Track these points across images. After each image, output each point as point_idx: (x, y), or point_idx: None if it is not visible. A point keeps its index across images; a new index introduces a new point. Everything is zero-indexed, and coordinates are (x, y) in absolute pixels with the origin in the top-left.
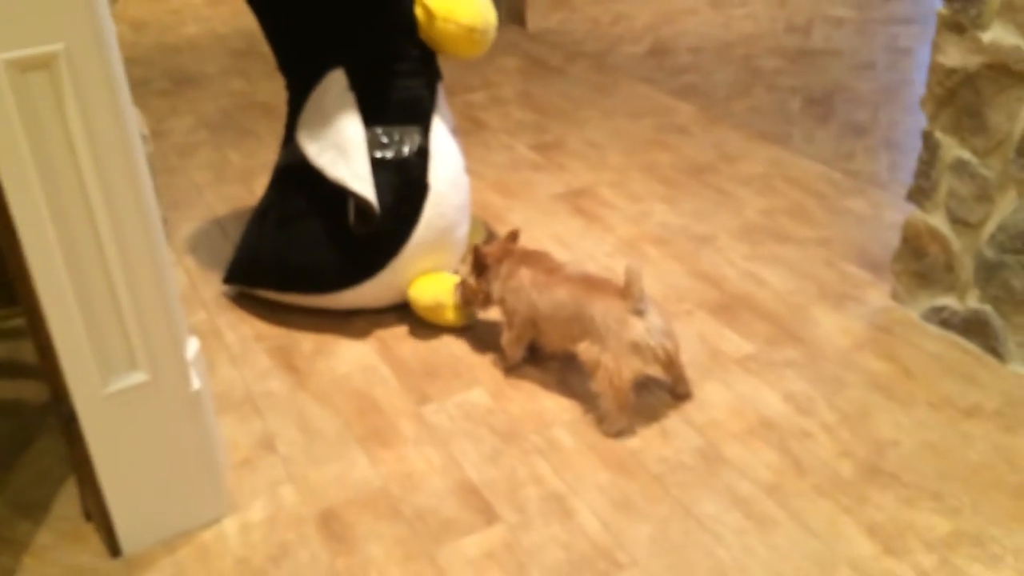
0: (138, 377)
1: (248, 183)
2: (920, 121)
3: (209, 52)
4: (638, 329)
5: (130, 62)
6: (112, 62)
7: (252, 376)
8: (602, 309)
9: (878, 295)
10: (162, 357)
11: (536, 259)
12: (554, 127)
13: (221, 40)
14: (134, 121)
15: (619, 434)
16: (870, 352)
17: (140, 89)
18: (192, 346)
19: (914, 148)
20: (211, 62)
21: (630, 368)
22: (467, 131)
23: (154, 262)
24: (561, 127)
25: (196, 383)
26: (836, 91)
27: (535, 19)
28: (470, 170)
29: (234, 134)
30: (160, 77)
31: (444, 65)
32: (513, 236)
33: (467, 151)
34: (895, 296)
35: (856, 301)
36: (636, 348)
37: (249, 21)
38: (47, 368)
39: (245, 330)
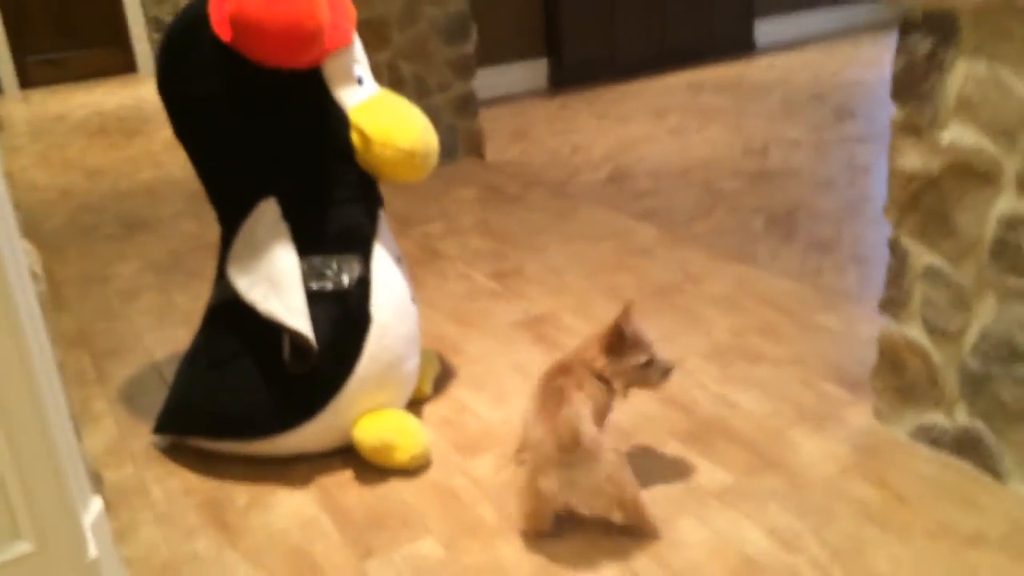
0: (22, 547)
1: (192, 325)
2: (886, 233)
3: (163, 196)
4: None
5: (81, 209)
6: None
7: (177, 536)
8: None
9: (860, 414)
10: (53, 523)
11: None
12: (513, 254)
13: (176, 184)
14: (22, 259)
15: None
16: (858, 478)
17: (88, 235)
18: (94, 508)
19: (882, 261)
20: (164, 206)
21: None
22: (423, 261)
23: (41, 417)
24: (520, 254)
25: (94, 551)
26: (798, 209)
27: (493, 151)
28: (425, 301)
29: (182, 276)
30: (110, 222)
31: (399, 196)
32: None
33: (422, 281)
34: (878, 415)
35: (837, 422)
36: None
37: None
38: None
39: (174, 484)
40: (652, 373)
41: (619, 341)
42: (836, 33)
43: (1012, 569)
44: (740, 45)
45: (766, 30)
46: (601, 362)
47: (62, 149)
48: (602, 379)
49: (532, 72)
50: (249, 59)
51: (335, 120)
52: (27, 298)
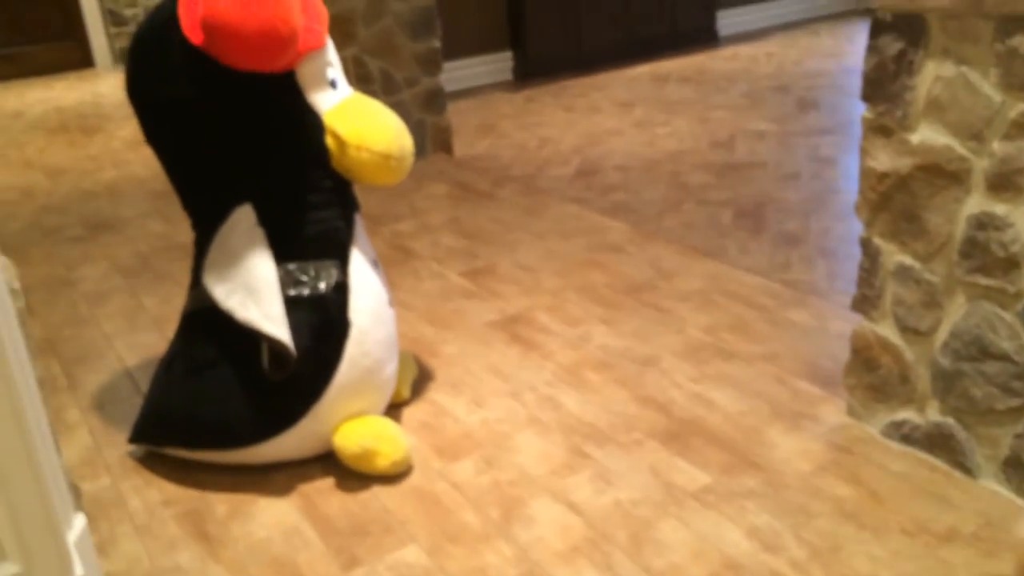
0: (9, 569)
1: (163, 330)
2: (852, 227)
3: (128, 196)
4: None
5: (43, 210)
6: None
7: (158, 548)
8: None
9: (833, 411)
10: (38, 543)
11: None
12: (485, 252)
13: (141, 183)
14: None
15: None
16: (833, 476)
17: (52, 237)
18: (77, 526)
19: (849, 255)
20: (129, 206)
21: None
22: (396, 261)
23: (24, 436)
24: (492, 252)
25: (79, 569)
26: (765, 203)
27: (462, 146)
28: (399, 302)
29: (150, 279)
30: (74, 224)
31: (370, 194)
32: None
33: (396, 281)
34: (851, 412)
35: (812, 420)
36: None
37: None
38: None
39: (152, 495)
40: None
41: None
42: (796, 24)
43: (985, 565)
44: (703, 36)
45: (728, 21)
46: None
47: (21, 148)
48: None
49: (497, 65)
50: (221, 63)
51: (309, 124)
52: (6, 315)
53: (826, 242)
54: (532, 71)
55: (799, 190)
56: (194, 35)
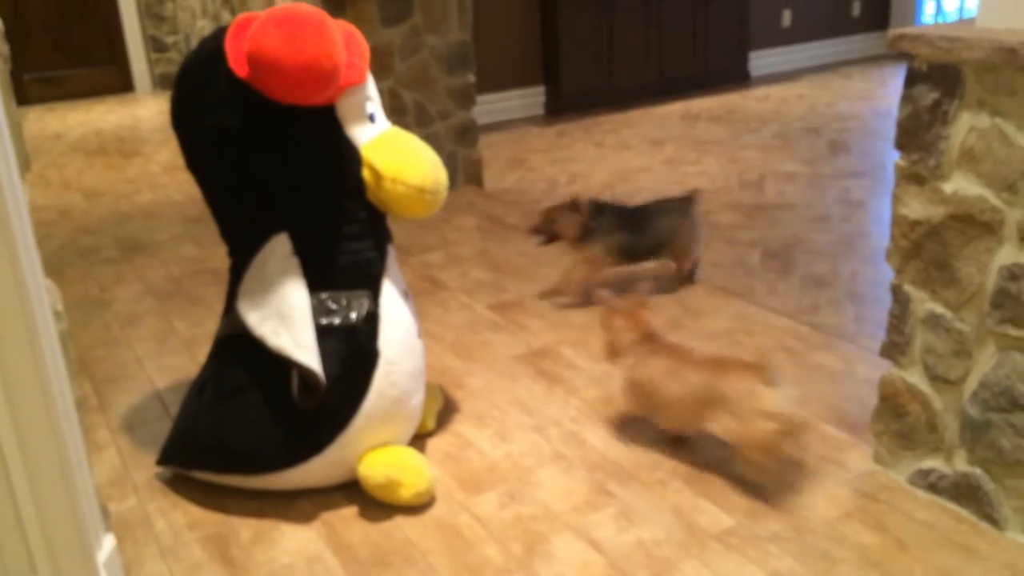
0: None
1: (193, 353)
2: (881, 272)
3: (162, 219)
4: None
5: (80, 231)
6: (16, 235)
7: (182, 571)
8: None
9: (860, 457)
10: (68, 562)
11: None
12: (513, 286)
13: (175, 207)
14: (44, 298)
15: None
16: (858, 522)
17: (87, 258)
18: (107, 546)
19: (877, 299)
20: (163, 229)
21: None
22: (424, 291)
23: (61, 457)
24: (520, 285)
25: None
26: (794, 244)
27: (492, 179)
28: (427, 332)
29: (182, 302)
30: (109, 245)
31: (400, 225)
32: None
33: (424, 312)
34: (878, 458)
35: (838, 465)
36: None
37: None
38: None
39: (178, 517)
40: None
41: None
42: (828, 66)
43: None
44: (735, 76)
45: (760, 62)
46: None
47: (60, 169)
48: None
49: (528, 99)
50: (265, 95)
51: (347, 157)
52: (50, 337)
53: (855, 286)
54: (564, 106)
55: (829, 232)
56: (239, 68)
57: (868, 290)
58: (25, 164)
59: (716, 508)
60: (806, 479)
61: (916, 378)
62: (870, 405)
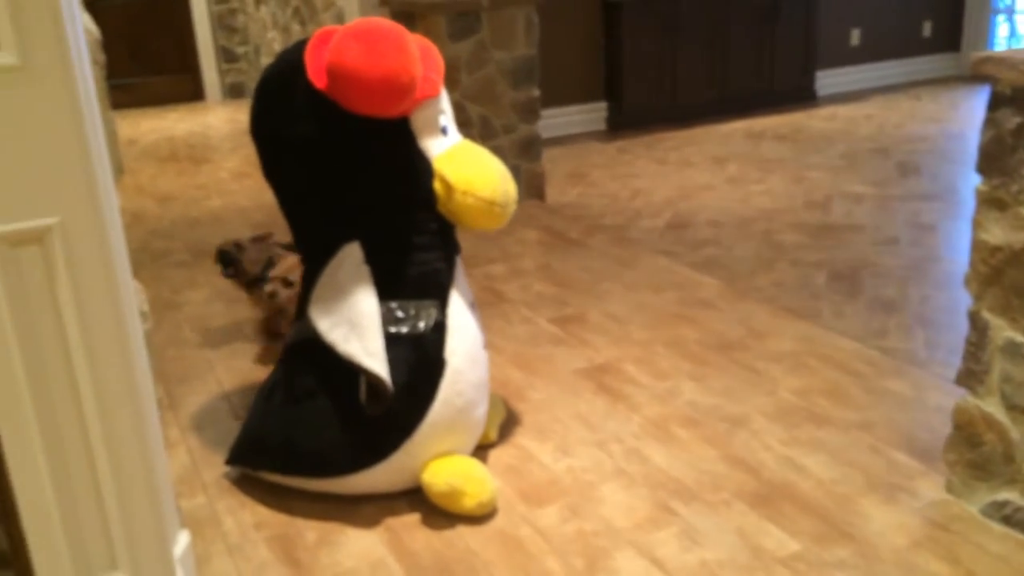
0: None
1: (260, 357)
2: (953, 297)
3: (231, 224)
4: None
5: (152, 235)
6: (110, 237)
7: (249, 570)
8: None
9: (931, 486)
10: (146, 556)
11: None
12: (575, 300)
13: (243, 213)
14: (133, 299)
15: None
16: (929, 552)
17: (160, 261)
18: (181, 542)
19: (949, 325)
20: (232, 234)
21: None
22: (487, 303)
23: (144, 453)
24: (582, 300)
25: None
26: (862, 267)
27: (553, 192)
28: (489, 344)
29: (249, 306)
30: (180, 249)
31: (463, 235)
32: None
33: (486, 324)
34: (950, 488)
35: (908, 493)
36: None
37: (272, 195)
38: (17, 565)
39: (245, 516)
40: None
41: None
42: (897, 87)
43: None
44: (801, 94)
45: (827, 81)
46: None
47: (134, 174)
48: None
49: (591, 115)
50: (342, 107)
51: (420, 168)
52: (137, 338)
53: (925, 311)
54: (626, 122)
55: (898, 256)
56: (318, 80)
57: (939, 316)
58: (119, 169)
59: (781, 532)
60: (875, 506)
61: (993, 407)
62: (942, 433)
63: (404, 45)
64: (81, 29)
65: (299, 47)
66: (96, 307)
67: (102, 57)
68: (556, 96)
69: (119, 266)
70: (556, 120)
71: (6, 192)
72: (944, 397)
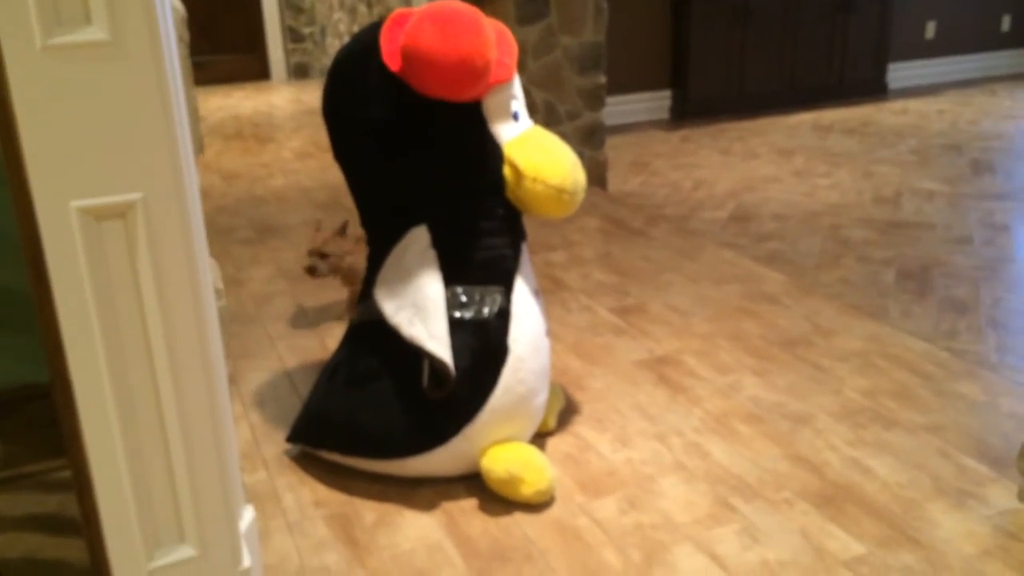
0: (186, 552)
1: (321, 336)
2: None
3: (294, 204)
4: None
5: (218, 211)
6: (191, 214)
7: (308, 547)
8: None
9: (1003, 494)
10: (213, 530)
11: None
12: (635, 290)
13: (306, 193)
14: (208, 275)
15: None
16: (1000, 562)
17: (225, 237)
18: (247, 517)
19: (1022, 329)
20: (295, 214)
21: None
22: (546, 290)
23: (215, 428)
24: (643, 290)
25: (247, 560)
26: (932, 265)
27: (615, 182)
28: (549, 332)
29: (312, 285)
30: (245, 226)
31: (524, 223)
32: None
33: (546, 311)
34: (1022, 497)
35: (978, 500)
36: None
37: (335, 175)
38: (89, 536)
39: (305, 494)
40: None
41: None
42: (972, 82)
43: None
44: (872, 87)
45: (899, 74)
46: None
47: (200, 151)
48: None
49: (655, 103)
50: (415, 90)
51: (491, 154)
52: (212, 314)
53: (997, 313)
54: (690, 111)
55: (970, 255)
56: (393, 62)
57: (1012, 318)
58: (199, 147)
59: (845, 534)
60: (943, 512)
61: None
62: (1015, 440)
63: (480, 29)
64: (169, 6)
65: (374, 28)
66: (174, 283)
67: (187, 35)
68: (621, 83)
69: (198, 243)
70: (620, 108)
71: (93, 166)
72: (1017, 402)
